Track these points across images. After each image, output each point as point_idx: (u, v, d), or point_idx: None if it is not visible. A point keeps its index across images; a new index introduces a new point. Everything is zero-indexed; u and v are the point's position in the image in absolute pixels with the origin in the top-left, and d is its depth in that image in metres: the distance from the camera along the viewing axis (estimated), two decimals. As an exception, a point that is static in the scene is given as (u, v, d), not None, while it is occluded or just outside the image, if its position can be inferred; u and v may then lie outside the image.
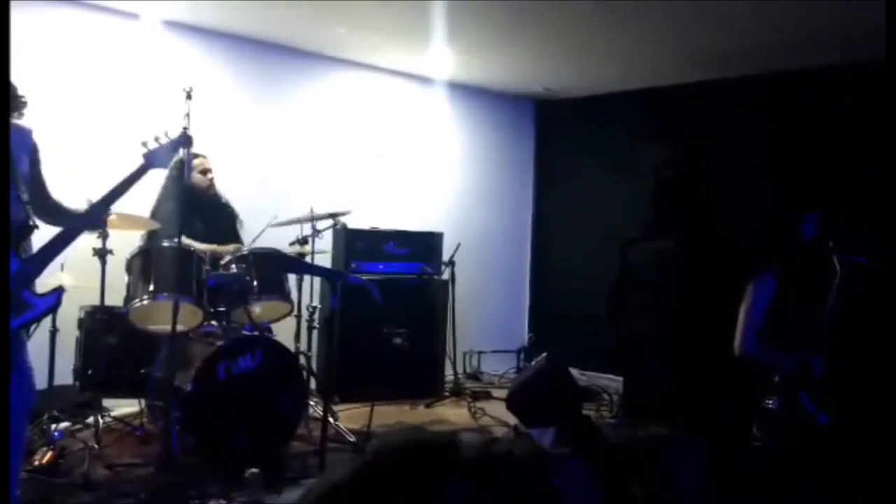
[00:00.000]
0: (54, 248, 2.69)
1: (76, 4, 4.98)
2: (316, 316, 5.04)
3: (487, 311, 7.08)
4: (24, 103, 2.79)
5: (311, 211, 4.88)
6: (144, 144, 3.01)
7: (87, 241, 3.88)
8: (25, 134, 2.77)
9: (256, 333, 4.11)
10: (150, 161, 2.96)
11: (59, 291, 2.66)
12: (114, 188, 2.86)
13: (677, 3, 4.61)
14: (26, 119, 2.79)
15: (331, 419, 4.63)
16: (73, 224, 2.82)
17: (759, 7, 4.58)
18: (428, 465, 2.28)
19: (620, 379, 5.80)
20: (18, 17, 4.69)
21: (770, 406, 3.31)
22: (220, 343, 3.94)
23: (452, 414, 5.48)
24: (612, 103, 7.10)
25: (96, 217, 3.06)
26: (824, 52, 5.36)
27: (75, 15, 4.97)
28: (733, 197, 5.98)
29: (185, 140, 3.14)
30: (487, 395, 5.98)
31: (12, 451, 2.54)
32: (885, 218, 3.96)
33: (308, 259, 4.79)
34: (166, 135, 3.08)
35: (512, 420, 5.02)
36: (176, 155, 3.72)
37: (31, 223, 2.66)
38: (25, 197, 2.62)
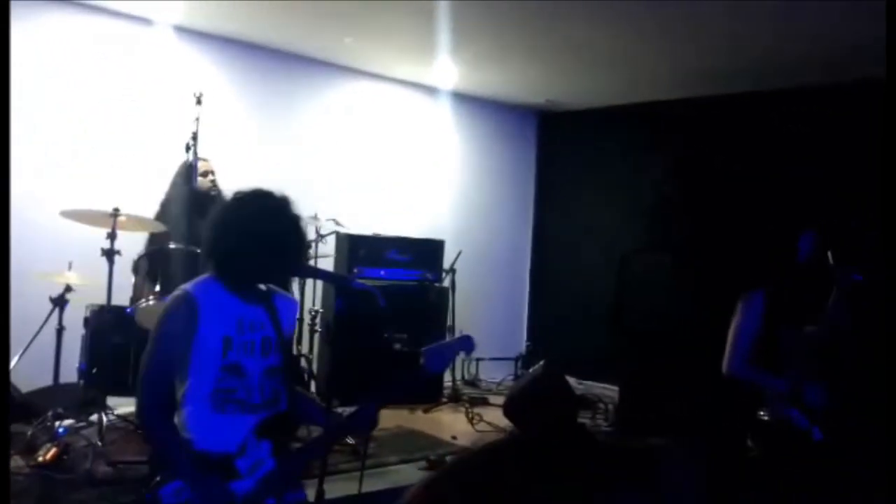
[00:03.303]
0: (314, 450, 2.51)
1: (87, 9, 5.05)
2: (318, 320, 5.10)
3: (486, 319, 7.11)
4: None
5: (316, 216, 4.94)
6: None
7: (94, 241, 3.94)
8: (294, 305, 2.70)
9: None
10: (430, 365, 2.44)
11: None
12: (388, 393, 2.49)
13: (682, 20, 4.69)
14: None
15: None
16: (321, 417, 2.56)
17: (761, 24, 4.66)
18: None
19: (616, 388, 5.87)
20: (29, 21, 4.80)
21: (764, 417, 3.33)
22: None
23: (450, 419, 5.53)
24: (613, 116, 7.17)
25: (363, 418, 2.46)
26: (826, 70, 5.42)
27: (85, 20, 5.05)
28: (731, 214, 6.03)
29: (468, 344, 2.52)
30: (485, 402, 6.02)
31: None
32: (882, 236, 3.95)
33: (311, 263, 4.85)
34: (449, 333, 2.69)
35: (508, 426, 5.08)
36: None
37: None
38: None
